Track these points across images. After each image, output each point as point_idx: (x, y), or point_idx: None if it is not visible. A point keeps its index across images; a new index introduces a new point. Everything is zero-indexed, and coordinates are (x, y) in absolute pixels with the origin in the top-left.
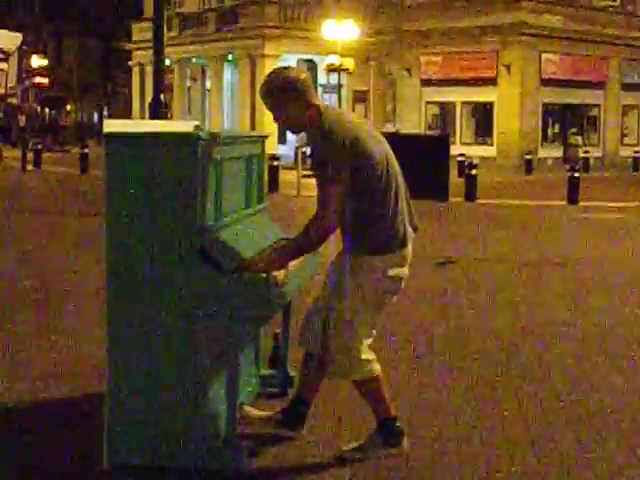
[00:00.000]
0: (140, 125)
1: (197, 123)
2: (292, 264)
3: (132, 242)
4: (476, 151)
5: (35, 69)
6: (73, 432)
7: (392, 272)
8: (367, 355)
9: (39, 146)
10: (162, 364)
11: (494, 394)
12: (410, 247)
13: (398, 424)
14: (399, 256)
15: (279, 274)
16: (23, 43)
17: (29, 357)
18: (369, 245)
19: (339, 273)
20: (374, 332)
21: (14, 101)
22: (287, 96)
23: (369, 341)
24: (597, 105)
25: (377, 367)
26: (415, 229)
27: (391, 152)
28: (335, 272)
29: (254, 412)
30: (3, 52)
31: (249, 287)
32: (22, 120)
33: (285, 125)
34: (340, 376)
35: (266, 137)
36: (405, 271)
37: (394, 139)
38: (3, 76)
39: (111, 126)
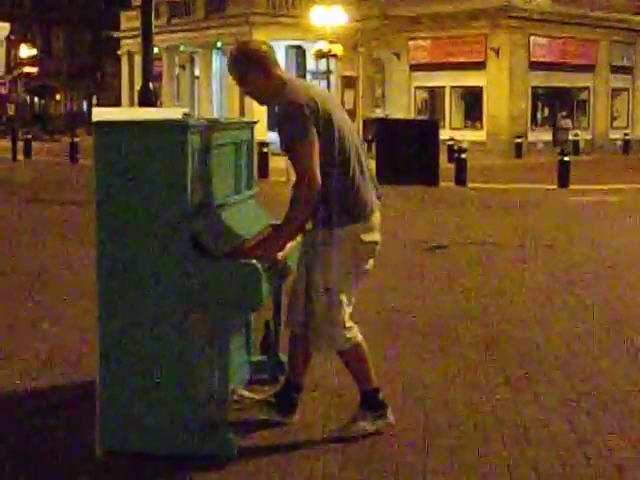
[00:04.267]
0: (129, 113)
1: (186, 110)
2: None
3: (122, 230)
4: (466, 135)
5: (24, 59)
6: (66, 420)
7: (366, 238)
8: (350, 323)
9: (29, 136)
10: (153, 351)
11: (485, 378)
12: (378, 214)
13: (381, 395)
14: (369, 223)
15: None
16: (11, 33)
17: (21, 346)
18: (339, 216)
19: (312, 248)
20: (353, 300)
21: (2, 91)
22: (247, 67)
23: (350, 309)
24: (586, 88)
25: (360, 335)
26: (379, 197)
27: (352, 123)
28: (308, 248)
29: (248, 394)
30: None
31: (239, 274)
32: (11, 109)
33: (251, 96)
34: (326, 346)
35: (255, 123)
36: (377, 236)
37: (384, 124)
38: None
39: (100, 115)
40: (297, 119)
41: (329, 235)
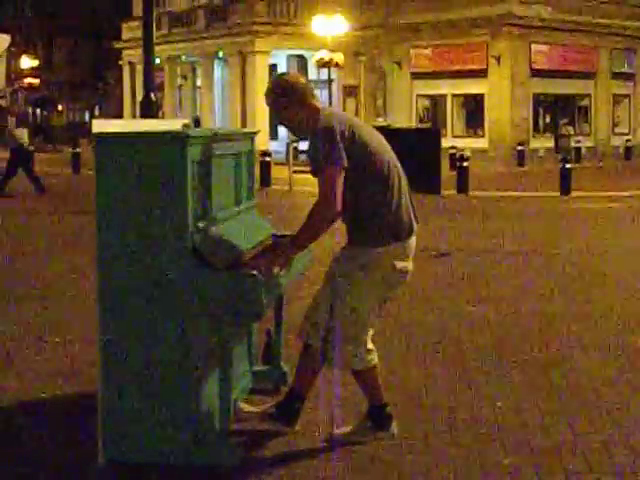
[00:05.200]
0: (129, 124)
1: (186, 122)
2: None
3: (123, 241)
4: (468, 143)
5: (25, 70)
6: (69, 430)
7: (399, 265)
8: (371, 345)
9: (31, 147)
10: (155, 362)
11: (487, 385)
12: (414, 239)
13: (388, 410)
14: (404, 246)
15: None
16: (12, 44)
17: (25, 357)
18: (376, 235)
19: (345, 266)
20: (375, 322)
21: (3, 103)
22: (285, 99)
23: (372, 331)
24: (588, 95)
25: (376, 356)
26: (416, 221)
27: (388, 145)
28: (340, 265)
29: (248, 407)
30: None
31: (239, 284)
32: (12, 122)
33: (286, 126)
34: (346, 366)
35: (256, 133)
36: (410, 265)
37: (385, 133)
38: None
39: (100, 126)
40: (327, 144)
41: (364, 255)
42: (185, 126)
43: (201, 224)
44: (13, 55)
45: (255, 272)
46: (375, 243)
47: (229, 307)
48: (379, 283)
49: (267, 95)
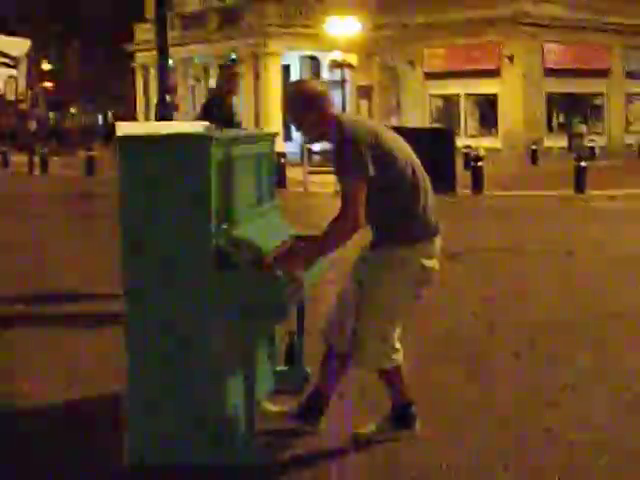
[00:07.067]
0: (151, 127)
1: (207, 123)
2: None
3: (146, 243)
4: (481, 143)
5: (42, 73)
6: (94, 432)
7: (427, 264)
8: (398, 345)
9: (45, 150)
10: (179, 363)
11: (504, 384)
12: (439, 240)
13: (413, 409)
14: (431, 246)
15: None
16: (31, 49)
17: (47, 359)
18: (405, 235)
19: (374, 266)
20: (402, 322)
21: (24, 107)
22: (303, 106)
23: (399, 330)
24: (601, 93)
25: (402, 356)
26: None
27: (409, 147)
28: (365, 265)
29: (272, 407)
30: (12, 58)
31: (263, 285)
32: (32, 125)
33: (303, 133)
34: (373, 365)
35: (275, 135)
36: (437, 264)
37: (399, 133)
38: (13, 82)
39: (123, 129)
40: (351, 155)
41: (393, 254)
42: (207, 128)
43: (224, 225)
44: (32, 60)
45: (279, 273)
46: (404, 242)
47: (252, 308)
48: (408, 282)
49: (286, 101)
